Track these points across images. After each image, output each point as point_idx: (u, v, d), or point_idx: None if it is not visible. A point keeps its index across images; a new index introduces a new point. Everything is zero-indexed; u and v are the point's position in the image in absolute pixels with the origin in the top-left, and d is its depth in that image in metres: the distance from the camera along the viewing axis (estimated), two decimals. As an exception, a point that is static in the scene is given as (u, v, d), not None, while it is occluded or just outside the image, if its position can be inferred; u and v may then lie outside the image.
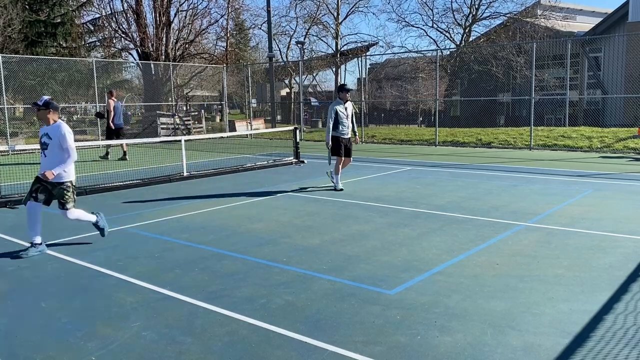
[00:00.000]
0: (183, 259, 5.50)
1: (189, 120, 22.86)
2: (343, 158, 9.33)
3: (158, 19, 30.48)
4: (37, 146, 16.65)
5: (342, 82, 10.15)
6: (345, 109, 9.27)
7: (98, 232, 6.27)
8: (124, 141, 14.38)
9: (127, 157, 15.06)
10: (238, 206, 8.21)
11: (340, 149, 9.26)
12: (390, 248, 5.74)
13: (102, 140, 15.50)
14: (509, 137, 17.89)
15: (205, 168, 12.30)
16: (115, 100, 15.31)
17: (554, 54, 25.91)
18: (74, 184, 5.83)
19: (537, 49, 18.22)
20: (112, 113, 15.02)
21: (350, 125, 9.36)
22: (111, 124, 15.07)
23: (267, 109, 34.64)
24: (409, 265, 5.15)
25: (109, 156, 15.33)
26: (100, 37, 33.50)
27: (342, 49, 34.83)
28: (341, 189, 9.36)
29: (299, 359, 3.35)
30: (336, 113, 9.18)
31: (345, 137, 9.30)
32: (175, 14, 31.92)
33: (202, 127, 23.85)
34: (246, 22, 40.15)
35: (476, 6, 30.16)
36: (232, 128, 24.86)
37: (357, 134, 9.67)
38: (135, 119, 33.21)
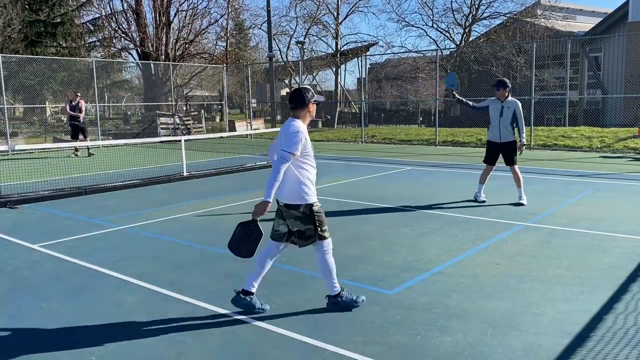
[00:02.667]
0: (183, 259, 5.50)
1: (188, 120, 22.86)
2: (492, 166, 8.07)
3: (158, 18, 30.49)
4: (37, 146, 16.49)
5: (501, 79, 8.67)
6: (502, 107, 7.85)
7: (99, 232, 6.25)
8: (88, 143, 15.41)
9: (77, 154, 16.22)
10: (238, 206, 8.21)
11: (490, 155, 8.04)
12: (390, 248, 5.74)
13: (89, 139, 16.36)
14: (509, 137, 17.86)
15: (205, 168, 12.29)
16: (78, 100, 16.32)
17: (554, 54, 25.88)
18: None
19: (537, 49, 18.22)
20: (82, 112, 15.86)
21: (511, 128, 7.83)
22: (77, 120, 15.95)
23: (267, 109, 34.63)
24: (409, 265, 5.15)
25: (78, 152, 16.36)
26: (100, 37, 33.53)
27: (342, 49, 34.84)
28: (483, 201, 8.09)
29: (299, 359, 3.35)
30: (489, 110, 7.97)
31: (495, 140, 7.92)
32: (175, 14, 31.96)
33: (202, 127, 23.85)
34: (246, 22, 40.19)
35: (476, 6, 30.13)
36: (232, 128, 24.87)
37: (523, 139, 7.80)
38: (135, 118, 33.23)
